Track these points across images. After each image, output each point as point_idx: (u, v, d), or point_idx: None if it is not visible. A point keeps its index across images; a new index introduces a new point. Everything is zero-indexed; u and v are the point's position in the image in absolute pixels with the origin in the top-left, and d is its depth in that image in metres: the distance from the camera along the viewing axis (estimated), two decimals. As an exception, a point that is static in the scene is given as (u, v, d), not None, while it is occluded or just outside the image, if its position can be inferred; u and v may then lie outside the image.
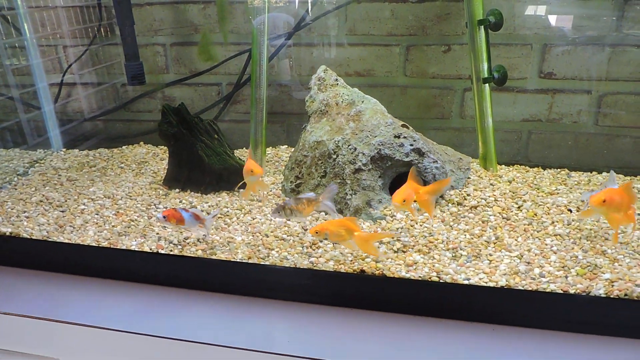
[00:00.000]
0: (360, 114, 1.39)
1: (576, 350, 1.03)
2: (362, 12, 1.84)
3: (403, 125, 1.39)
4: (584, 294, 1.08)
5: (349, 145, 1.35)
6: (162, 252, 1.26)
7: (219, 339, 1.07)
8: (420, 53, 1.85)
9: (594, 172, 1.71)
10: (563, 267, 1.16)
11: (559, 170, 1.72)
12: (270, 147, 1.91)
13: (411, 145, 1.32)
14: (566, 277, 1.13)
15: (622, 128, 1.79)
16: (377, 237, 1.20)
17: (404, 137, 1.33)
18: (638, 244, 1.22)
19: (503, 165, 1.77)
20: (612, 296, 1.07)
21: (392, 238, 1.23)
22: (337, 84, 1.47)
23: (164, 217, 1.16)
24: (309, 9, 1.79)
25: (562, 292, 1.09)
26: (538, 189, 1.53)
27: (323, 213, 1.36)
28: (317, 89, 1.48)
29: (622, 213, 1.12)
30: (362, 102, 1.41)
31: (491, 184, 1.51)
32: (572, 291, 1.09)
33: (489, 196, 1.41)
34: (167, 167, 1.53)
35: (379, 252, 1.18)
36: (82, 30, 2.05)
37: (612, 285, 1.09)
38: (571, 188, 1.55)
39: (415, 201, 1.17)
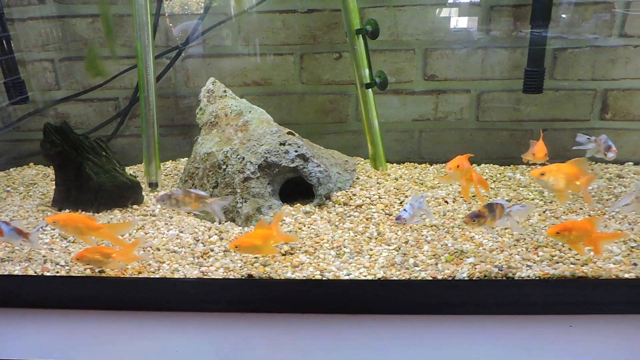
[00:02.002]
0: (248, 124, 1.43)
1: (445, 332, 1.14)
2: (254, 23, 1.89)
3: (289, 133, 1.45)
4: (450, 278, 1.19)
5: (237, 155, 1.39)
6: (48, 274, 1.24)
7: (114, 357, 1.08)
8: (314, 61, 1.93)
9: (473, 164, 1.86)
10: (434, 255, 1.27)
11: (443, 165, 1.86)
12: (171, 161, 1.91)
13: (296, 151, 1.39)
14: (436, 264, 1.24)
15: (499, 122, 1.96)
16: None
17: (289, 144, 1.39)
18: (502, 228, 1.36)
19: (395, 164, 1.88)
20: (474, 278, 1.19)
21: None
22: (226, 95, 1.51)
23: None
24: (202, 20, 1.81)
25: (431, 278, 1.19)
26: (422, 184, 1.65)
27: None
28: (206, 101, 1.51)
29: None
30: (250, 112, 1.46)
31: (378, 183, 1.61)
32: (440, 277, 1.20)
33: (374, 194, 1.50)
34: (55, 188, 1.50)
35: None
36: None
37: (475, 268, 1.21)
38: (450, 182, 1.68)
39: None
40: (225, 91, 1.50)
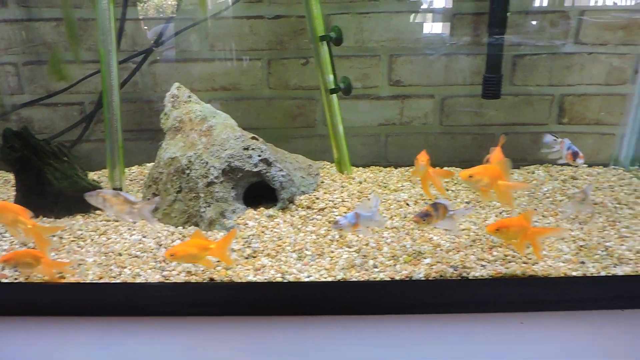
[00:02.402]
0: (212, 129, 1.45)
1: (402, 331, 1.17)
2: (222, 28, 1.91)
3: (253, 137, 1.47)
4: (407, 279, 1.23)
5: (201, 160, 1.41)
6: (5, 281, 1.23)
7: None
8: (281, 66, 1.95)
9: (436, 167, 1.91)
10: (393, 256, 1.30)
11: (408, 168, 1.90)
12: (137, 166, 1.91)
13: (259, 156, 1.41)
14: (395, 265, 1.27)
15: (462, 127, 2.02)
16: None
17: (253, 149, 1.41)
18: (460, 229, 1.40)
19: (361, 168, 1.92)
20: (430, 278, 1.22)
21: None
22: (191, 100, 1.52)
23: None
24: (169, 25, 1.82)
25: (389, 279, 1.23)
26: (385, 187, 1.69)
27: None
28: (170, 106, 1.52)
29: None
30: (214, 117, 1.47)
31: (342, 186, 1.64)
32: (397, 277, 1.23)
33: (337, 198, 1.53)
34: (16, 194, 1.49)
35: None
36: None
37: (432, 268, 1.25)
38: (415, 184, 1.73)
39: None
40: (189, 96, 1.52)
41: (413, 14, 1.89)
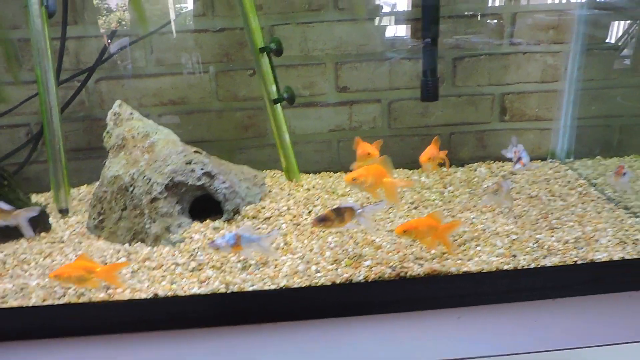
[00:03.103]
0: (154, 145, 1.46)
1: (342, 333, 1.21)
2: (166, 43, 1.92)
3: (195, 151, 1.49)
4: (347, 282, 1.27)
5: (144, 177, 1.42)
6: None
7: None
8: (229, 78, 1.98)
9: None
10: (335, 260, 1.34)
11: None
12: (86, 185, 1.90)
13: (202, 169, 1.43)
14: (337, 269, 1.31)
15: (410, 129, 2.08)
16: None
17: (195, 163, 1.43)
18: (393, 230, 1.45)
19: (312, 174, 1.95)
20: (369, 280, 1.27)
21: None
22: (133, 117, 1.53)
23: None
24: (109, 42, 1.82)
25: (330, 283, 1.26)
26: (333, 192, 1.73)
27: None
28: (113, 124, 1.53)
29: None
30: (156, 133, 1.49)
31: (289, 194, 1.67)
32: (338, 281, 1.27)
33: (283, 206, 1.57)
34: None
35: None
36: None
37: (371, 270, 1.29)
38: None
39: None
40: (131, 113, 1.53)
41: (355, 23, 1.94)
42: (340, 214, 1.19)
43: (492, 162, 1.97)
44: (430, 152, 1.38)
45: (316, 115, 2.05)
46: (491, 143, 2.10)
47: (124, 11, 1.93)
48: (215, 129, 2.04)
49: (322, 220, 1.18)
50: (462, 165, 1.97)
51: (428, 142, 2.02)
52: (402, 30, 1.97)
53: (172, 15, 1.91)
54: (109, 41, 1.81)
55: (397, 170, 1.98)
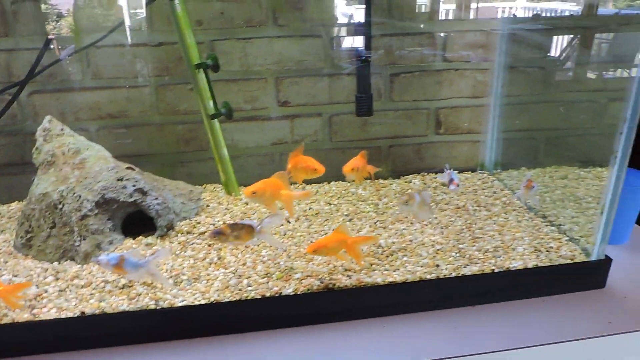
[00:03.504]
0: (85, 162, 1.45)
1: (270, 346, 1.24)
2: (104, 57, 1.91)
3: (128, 167, 1.49)
4: (277, 295, 1.29)
5: (74, 194, 1.41)
6: None
7: None
8: (169, 92, 1.98)
9: (324, 182, 2.02)
10: (267, 274, 1.37)
11: (297, 185, 1.98)
12: (17, 202, 1.86)
13: (134, 185, 1.43)
14: (267, 282, 1.34)
15: (350, 142, 2.13)
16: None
17: (127, 179, 1.43)
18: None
19: (252, 188, 1.97)
20: (298, 292, 1.30)
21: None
22: (63, 133, 1.52)
23: None
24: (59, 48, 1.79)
25: (260, 297, 1.29)
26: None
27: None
28: (42, 140, 1.51)
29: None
30: (87, 149, 1.48)
31: (226, 209, 1.69)
32: (268, 294, 1.29)
33: (218, 221, 1.58)
34: None
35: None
36: None
37: (301, 283, 1.32)
38: (301, 200, 1.81)
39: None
40: (62, 129, 1.51)
41: (295, 39, 1.98)
42: (237, 230, 1.19)
43: (427, 173, 2.05)
44: (354, 164, 1.44)
45: (258, 128, 2.08)
46: (428, 155, 2.19)
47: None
48: (156, 143, 2.03)
49: (217, 234, 1.18)
50: (399, 177, 2.04)
51: (368, 154, 2.10)
52: (342, 46, 2.03)
53: (127, 22, 1.90)
54: (60, 47, 1.79)
55: (337, 182, 2.03)
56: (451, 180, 1.62)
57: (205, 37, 1.91)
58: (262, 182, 1.27)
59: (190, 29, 1.64)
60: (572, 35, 2.10)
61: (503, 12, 2.14)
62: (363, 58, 1.78)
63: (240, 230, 1.19)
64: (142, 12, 1.89)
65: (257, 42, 1.97)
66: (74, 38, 1.84)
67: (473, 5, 2.05)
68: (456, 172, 1.64)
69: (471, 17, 2.05)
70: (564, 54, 2.12)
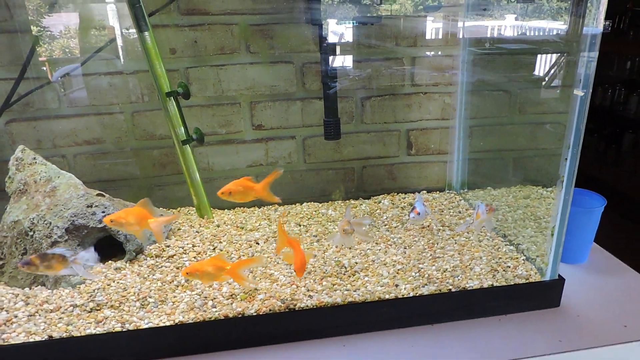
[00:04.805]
0: (56, 190, 1.50)
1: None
2: (79, 85, 1.97)
3: (99, 194, 1.54)
4: (240, 315, 1.34)
5: (44, 221, 1.45)
6: None
7: None
8: (145, 118, 2.04)
9: (297, 203, 2.07)
10: (232, 295, 1.41)
11: (270, 206, 2.04)
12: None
13: (103, 212, 1.48)
14: (232, 303, 1.38)
15: (324, 163, 2.19)
16: None
17: (96, 206, 1.48)
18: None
19: (225, 210, 2.03)
20: (260, 313, 1.34)
21: None
22: (36, 162, 1.57)
23: None
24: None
25: (223, 317, 1.33)
26: (242, 228, 1.81)
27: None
28: (15, 169, 1.56)
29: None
30: (58, 177, 1.53)
31: (197, 232, 1.74)
32: (231, 315, 1.34)
33: (188, 244, 1.63)
34: None
35: None
36: None
37: (264, 304, 1.37)
38: (273, 221, 1.86)
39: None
40: (34, 158, 1.56)
41: (267, 65, 2.06)
42: (47, 260, 1.20)
43: (396, 194, 2.11)
44: (227, 188, 1.40)
45: (234, 151, 2.14)
46: (400, 175, 2.25)
47: (67, 39, 1.97)
48: (132, 167, 2.08)
49: (26, 264, 1.19)
50: (369, 198, 2.10)
51: (342, 175, 2.15)
52: (310, 72, 2.10)
53: (120, 42, 1.96)
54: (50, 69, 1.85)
55: (308, 203, 2.08)
56: (413, 209, 1.58)
57: (180, 65, 1.98)
58: (124, 211, 1.30)
59: (160, 59, 1.71)
60: (534, 57, 2.18)
61: (492, 30, 2.19)
62: (329, 84, 1.85)
63: (51, 260, 1.20)
64: (117, 41, 1.96)
65: (230, 68, 2.04)
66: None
67: (459, 24, 2.12)
68: (423, 203, 1.62)
69: (440, 39, 2.13)
70: (527, 75, 2.20)
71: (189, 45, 1.98)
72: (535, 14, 2.09)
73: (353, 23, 2.01)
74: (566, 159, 1.31)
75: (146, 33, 1.64)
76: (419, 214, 1.57)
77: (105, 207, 1.49)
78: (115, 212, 1.31)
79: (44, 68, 1.98)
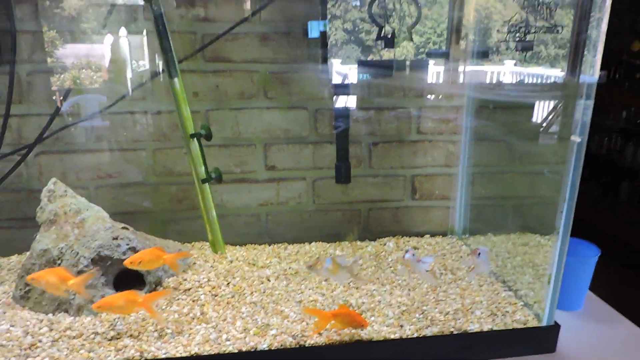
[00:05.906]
0: (84, 222, 1.60)
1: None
2: (104, 122, 2.10)
3: (123, 227, 1.63)
4: (252, 350, 1.41)
5: (72, 251, 1.54)
6: None
7: None
8: (165, 155, 2.16)
9: (305, 242, 2.16)
10: (245, 329, 1.49)
11: (280, 244, 2.13)
12: (17, 254, 1.99)
13: (127, 244, 1.57)
14: (245, 338, 1.45)
15: (332, 204, 2.30)
16: None
17: (121, 239, 1.57)
18: (302, 300, 1.62)
19: (238, 246, 2.12)
20: (272, 348, 1.42)
21: None
22: (66, 194, 1.67)
23: None
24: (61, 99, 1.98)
25: (237, 351, 1.40)
26: (254, 264, 1.90)
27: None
28: (46, 200, 1.66)
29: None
30: (87, 210, 1.63)
31: (212, 267, 1.82)
32: (244, 349, 1.41)
33: (203, 278, 1.71)
34: None
35: None
36: None
37: (275, 339, 1.44)
38: (282, 259, 1.95)
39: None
40: (65, 191, 1.67)
41: (277, 110, 2.19)
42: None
43: (401, 237, 2.20)
44: (134, 257, 1.45)
45: (247, 190, 2.25)
46: (404, 219, 2.35)
47: (79, 70, 2.10)
48: (151, 201, 2.19)
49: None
50: (375, 240, 2.19)
51: (349, 217, 2.25)
52: (323, 118, 2.23)
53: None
54: (62, 98, 1.97)
55: (317, 243, 2.17)
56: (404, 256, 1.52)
57: (201, 107, 2.11)
58: (45, 271, 1.39)
59: (186, 103, 1.84)
60: (535, 106, 2.30)
61: (492, 75, 2.33)
62: (342, 129, 1.97)
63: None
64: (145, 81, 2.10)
65: (248, 112, 2.18)
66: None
67: (460, 69, 2.26)
68: (417, 256, 1.55)
69: (445, 88, 2.27)
70: (528, 125, 2.32)
71: (211, 89, 2.12)
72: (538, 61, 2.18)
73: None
74: (562, 211, 1.42)
75: (176, 79, 1.77)
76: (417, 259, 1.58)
77: (130, 240, 1.58)
78: (37, 272, 1.40)
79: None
